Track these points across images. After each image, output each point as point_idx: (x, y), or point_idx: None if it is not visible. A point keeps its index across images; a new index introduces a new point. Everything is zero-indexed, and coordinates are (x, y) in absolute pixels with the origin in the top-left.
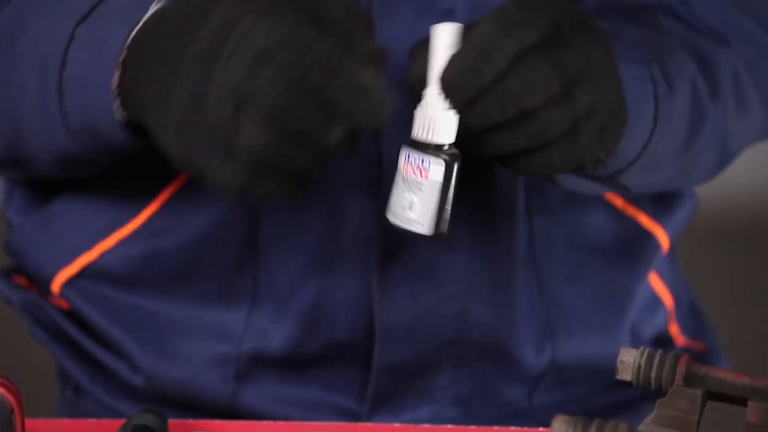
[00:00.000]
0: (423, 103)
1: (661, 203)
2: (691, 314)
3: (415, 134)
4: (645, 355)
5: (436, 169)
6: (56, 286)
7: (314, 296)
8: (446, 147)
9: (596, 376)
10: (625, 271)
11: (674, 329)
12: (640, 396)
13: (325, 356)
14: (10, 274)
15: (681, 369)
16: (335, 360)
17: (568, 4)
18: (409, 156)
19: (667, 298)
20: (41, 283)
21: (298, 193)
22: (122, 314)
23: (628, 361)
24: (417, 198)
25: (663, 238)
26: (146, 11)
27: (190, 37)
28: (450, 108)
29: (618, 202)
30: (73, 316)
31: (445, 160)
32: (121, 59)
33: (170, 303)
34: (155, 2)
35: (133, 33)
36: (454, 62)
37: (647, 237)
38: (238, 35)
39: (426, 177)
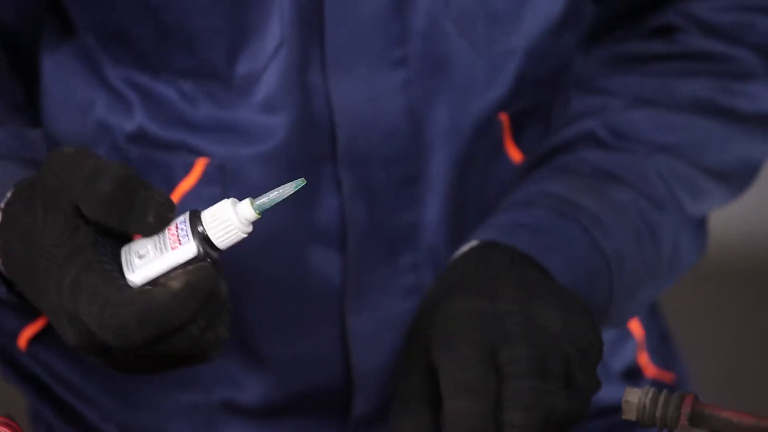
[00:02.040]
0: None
1: None
2: (662, 343)
3: (208, 213)
4: (650, 395)
5: (185, 250)
6: (23, 342)
7: (285, 345)
8: (214, 247)
9: None
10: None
11: (644, 359)
12: None
13: (300, 406)
14: None
15: (686, 409)
16: (311, 409)
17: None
18: (185, 220)
19: (637, 329)
20: (9, 338)
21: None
22: (88, 365)
23: (633, 400)
24: (152, 256)
25: None
26: None
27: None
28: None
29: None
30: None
31: (199, 252)
32: None
33: None
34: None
35: None
36: None
37: None
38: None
39: (173, 248)
